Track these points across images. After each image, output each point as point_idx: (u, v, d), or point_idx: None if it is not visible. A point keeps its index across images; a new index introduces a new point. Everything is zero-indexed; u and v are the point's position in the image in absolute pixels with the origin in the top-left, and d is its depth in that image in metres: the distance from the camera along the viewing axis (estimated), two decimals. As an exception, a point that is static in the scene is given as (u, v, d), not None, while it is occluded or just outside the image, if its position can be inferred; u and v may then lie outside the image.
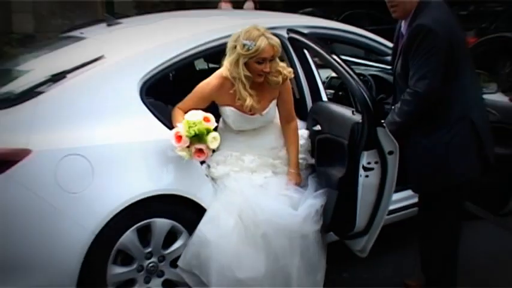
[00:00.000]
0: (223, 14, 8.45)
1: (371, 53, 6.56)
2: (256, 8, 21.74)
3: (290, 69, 4.74)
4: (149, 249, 4.37)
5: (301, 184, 4.80)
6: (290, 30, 5.07)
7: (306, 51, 5.16)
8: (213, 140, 4.35)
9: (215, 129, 4.41)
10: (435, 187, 4.47)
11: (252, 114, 4.68)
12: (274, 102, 4.78)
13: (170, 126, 4.39)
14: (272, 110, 4.79)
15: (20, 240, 3.95)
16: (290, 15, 6.30)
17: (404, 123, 4.39)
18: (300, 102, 5.14)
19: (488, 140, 4.48)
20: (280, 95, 4.77)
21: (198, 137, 4.28)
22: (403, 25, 4.54)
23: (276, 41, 4.51)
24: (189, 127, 4.26)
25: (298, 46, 5.09)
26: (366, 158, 4.42)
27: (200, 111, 4.41)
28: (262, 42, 4.44)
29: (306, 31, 5.16)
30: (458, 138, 4.35)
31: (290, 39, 5.05)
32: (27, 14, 26.21)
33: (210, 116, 4.40)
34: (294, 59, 5.13)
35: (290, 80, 4.84)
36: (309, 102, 5.16)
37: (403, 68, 4.40)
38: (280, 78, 4.63)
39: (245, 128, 4.79)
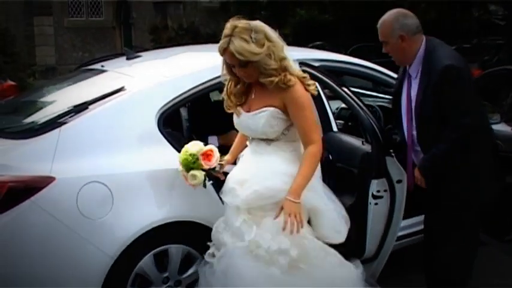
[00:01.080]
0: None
1: (379, 84, 6.57)
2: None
3: (302, 76, 3.98)
4: (166, 274, 4.37)
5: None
6: (302, 63, 5.08)
7: (317, 84, 5.16)
8: (192, 177, 4.06)
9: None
10: None
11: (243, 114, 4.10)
12: (274, 110, 3.94)
13: None
14: (269, 118, 3.95)
15: (42, 263, 3.97)
16: (301, 49, 6.32)
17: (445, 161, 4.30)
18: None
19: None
20: (287, 107, 3.93)
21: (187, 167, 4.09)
22: (411, 67, 4.47)
23: (236, 47, 3.79)
24: (182, 158, 4.09)
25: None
26: (376, 187, 4.43)
27: (201, 145, 4.12)
28: (219, 45, 3.93)
29: (317, 64, 5.17)
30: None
31: (302, 72, 5.06)
32: (49, 47, 26.51)
33: (213, 152, 4.14)
34: None
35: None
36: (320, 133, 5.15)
37: (435, 109, 4.26)
38: (273, 79, 3.85)
39: (244, 133, 4.26)
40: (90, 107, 4.26)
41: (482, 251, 4.70)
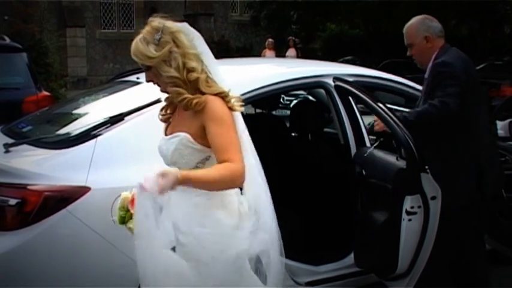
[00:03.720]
0: (269, 61, 8.50)
1: (411, 100, 6.54)
2: (298, 56, 21.93)
3: (219, 92, 3.30)
4: None
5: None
6: (336, 78, 5.08)
7: (350, 99, 5.15)
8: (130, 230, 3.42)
9: None
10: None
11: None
12: (185, 137, 3.34)
13: None
14: (179, 146, 3.37)
15: (76, 273, 3.99)
16: (335, 64, 6.33)
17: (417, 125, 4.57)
18: (344, 148, 5.12)
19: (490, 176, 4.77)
20: (205, 129, 3.28)
21: None
22: (426, 71, 4.80)
23: (132, 47, 3.33)
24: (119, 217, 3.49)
25: (344, 93, 5.08)
26: (410, 203, 4.40)
27: (126, 193, 3.51)
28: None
29: (350, 79, 5.17)
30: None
31: (336, 87, 5.05)
32: (81, 58, 26.76)
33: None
34: (339, 106, 5.13)
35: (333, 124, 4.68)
36: (353, 148, 5.13)
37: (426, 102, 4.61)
38: (179, 91, 3.30)
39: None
40: (126, 118, 4.29)
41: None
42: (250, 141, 3.42)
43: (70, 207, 3.89)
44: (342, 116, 5.12)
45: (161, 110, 3.63)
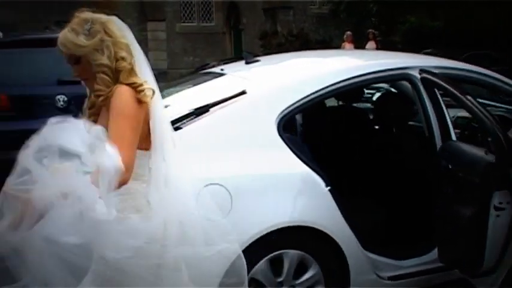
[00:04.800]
0: (352, 54, 8.41)
1: (498, 93, 6.38)
2: (377, 48, 21.70)
3: (132, 82, 3.18)
4: (280, 279, 4.35)
5: None
6: (422, 70, 4.97)
7: (436, 91, 5.04)
8: None
9: None
10: None
11: None
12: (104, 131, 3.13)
13: (305, 160, 4.36)
14: (99, 138, 3.12)
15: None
16: (419, 56, 6.21)
17: None
18: (429, 141, 5.02)
19: None
20: None
21: None
22: None
23: (60, 38, 3.26)
24: None
25: (430, 86, 4.98)
26: (498, 198, 4.28)
27: None
28: None
29: (436, 71, 5.06)
30: None
31: (423, 79, 4.95)
32: (162, 52, 27.09)
33: None
34: (424, 99, 5.02)
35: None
36: (438, 142, 5.02)
37: None
38: (102, 81, 3.20)
39: None
40: (212, 109, 4.30)
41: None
42: (168, 138, 3.32)
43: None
44: (427, 109, 5.01)
45: (88, 108, 3.41)
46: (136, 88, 3.16)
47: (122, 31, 3.30)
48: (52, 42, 9.72)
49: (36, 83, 9.07)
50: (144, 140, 3.20)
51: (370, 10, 28.66)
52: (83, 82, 3.34)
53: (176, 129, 4.16)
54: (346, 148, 5.83)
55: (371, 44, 22.42)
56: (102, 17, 3.30)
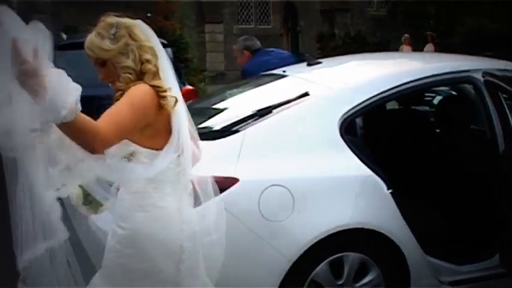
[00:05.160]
0: (414, 56, 8.33)
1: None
2: (435, 51, 21.44)
3: (158, 86, 3.20)
4: (341, 282, 4.32)
5: None
6: (486, 73, 4.91)
7: (500, 94, 4.96)
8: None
9: None
10: None
11: None
12: None
13: (367, 163, 4.34)
14: None
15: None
16: (482, 58, 6.13)
17: None
18: (491, 144, 4.95)
19: None
20: None
21: None
22: None
23: (86, 42, 3.26)
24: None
25: (493, 89, 4.91)
26: None
27: None
28: None
29: (499, 74, 4.99)
30: None
31: (487, 82, 4.88)
32: (219, 53, 27.25)
33: None
34: (487, 102, 4.95)
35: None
36: (501, 145, 4.95)
37: None
38: (124, 81, 3.22)
39: None
40: (274, 111, 4.32)
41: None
42: (186, 145, 3.30)
43: (219, 197, 3.92)
44: (490, 112, 4.94)
45: None
46: (159, 92, 3.18)
47: (146, 35, 3.31)
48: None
49: (96, 84, 9.19)
50: (157, 140, 3.22)
51: (428, 13, 28.34)
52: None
53: (241, 129, 4.21)
54: (406, 151, 5.78)
55: (429, 47, 22.18)
56: (127, 21, 3.32)
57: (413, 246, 4.42)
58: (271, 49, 7.88)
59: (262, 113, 4.31)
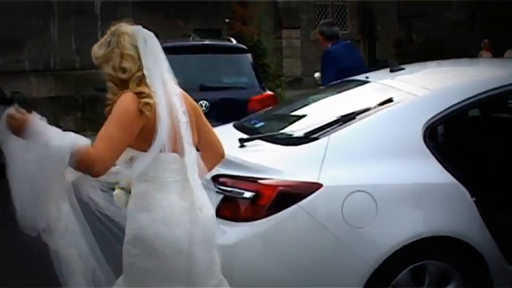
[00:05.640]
0: (496, 63, 8.17)
1: None
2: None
3: (139, 91, 3.32)
4: (421, 290, 4.28)
5: None
6: None
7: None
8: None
9: None
10: None
11: None
12: None
13: (451, 170, 4.29)
14: None
15: (304, 267, 4.08)
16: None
17: None
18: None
19: None
20: None
21: None
22: None
23: (92, 50, 3.50)
24: None
25: None
26: None
27: None
28: None
29: None
30: None
31: None
32: (295, 59, 27.24)
33: None
34: None
35: None
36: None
37: None
38: (111, 91, 3.46)
39: None
40: (358, 117, 4.31)
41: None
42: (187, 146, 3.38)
43: (302, 202, 3.97)
44: None
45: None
46: (140, 98, 3.29)
47: (136, 42, 3.39)
48: (194, 49, 10.09)
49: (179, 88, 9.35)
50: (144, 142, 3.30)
51: (506, 21, 27.75)
52: None
53: (325, 135, 4.21)
54: (489, 158, 5.69)
55: (510, 53, 21.70)
56: (123, 29, 3.42)
57: (496, 256, 4.34)
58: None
59: (346, 119, 4.31)
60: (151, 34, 3.46)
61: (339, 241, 4.02)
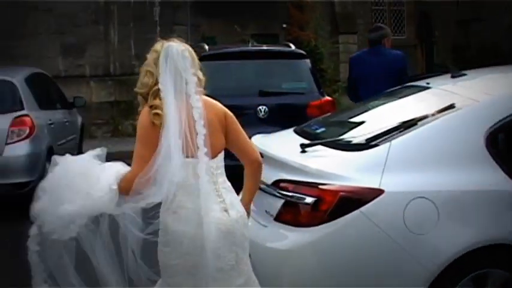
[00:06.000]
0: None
1: None
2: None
3: (150, 105, 3.66)
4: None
5: None
6: None
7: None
8: None
9: None
10: None
11: None
12: None
13: None
14: None
15: (364, 272, 4.08)
16: None
17: None
18: None
19: None
20: None
21: None
22: None
23: None
24: None
25: None
26: None
27: None
28: None
29: None
30: None
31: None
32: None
33: None
34: None
35: None
36: None
37: None
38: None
39: None
40: (419, 123, 4.28)
41: None
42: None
43: (363, 208, 3.97)
44: None
45: None
46: (152, 109, 3.60)
47: (159, 58, 3.62)
48: (253, 55, 10.10)
49: (238, 94, 9.45)
50: None
51: None
52: None
53: (386, 141, 4.20)
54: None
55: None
56: (155, 46, 3.71)
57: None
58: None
59: (407, 125, 4.28)
60: (181, 51, 3.64)
61: (400, 247, 4.00)
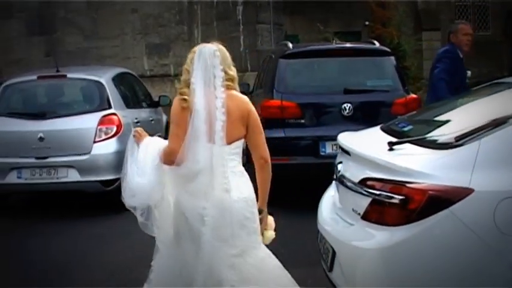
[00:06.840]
0: None
1: None
2: None
3: (179, 92, 4.60)
4: None
5: None
6: None
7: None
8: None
9: None
10: None
11: None
12: None
13: None
14: None
15: (450, 274, 3.99)
16: None
17: None
18: None
19: None
20: None
21: None
22: None
23: None
24: None
25: None
26: None
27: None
28: None
29: None
30: None
31: None
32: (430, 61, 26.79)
33: None
34: None
35: None
36: None
37: None
38: None
39: None
40: (509, 121, 4.15)
41: None
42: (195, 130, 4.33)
43: (453, 207, 3.88)
44: None
45: None
46: (181, 95, 4.47)
47: (193, 58, 4.46)
48: (338, 53, 10.08)
49: (323, 91, 9.45)
50: None
51: None
52: None
53: (476, 139, 4.11)
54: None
55: None
56: (194, 48, 4.54)
57: None
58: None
59: (497, 122, 4.16)
60: (213, 51, 4.43)
61: (490, 248, 3.89)
